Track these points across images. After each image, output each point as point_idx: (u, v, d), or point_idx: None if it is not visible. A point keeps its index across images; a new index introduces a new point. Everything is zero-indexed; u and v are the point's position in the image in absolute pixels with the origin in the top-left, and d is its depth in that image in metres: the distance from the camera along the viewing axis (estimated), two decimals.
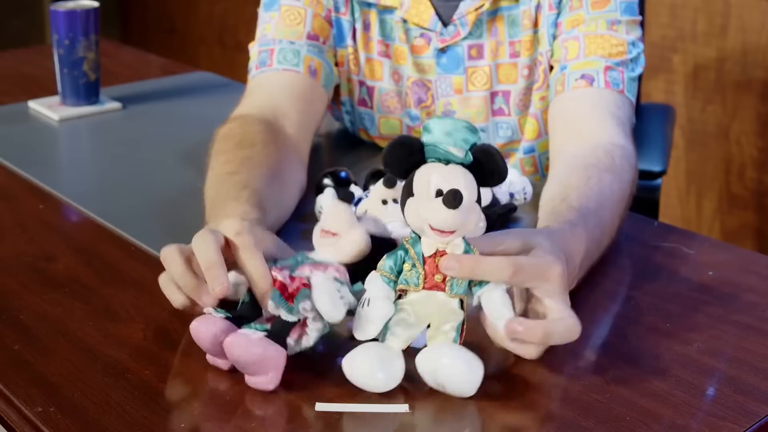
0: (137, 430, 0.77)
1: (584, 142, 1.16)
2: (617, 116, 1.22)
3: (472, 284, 0.82)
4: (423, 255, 0.82)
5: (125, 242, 1.11)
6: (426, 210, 0.80)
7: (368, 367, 0.80)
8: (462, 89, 1.34)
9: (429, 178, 0.81)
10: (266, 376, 0.81)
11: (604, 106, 1.22)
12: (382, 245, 0.88)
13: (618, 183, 1.07)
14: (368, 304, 0.81)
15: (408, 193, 0.82)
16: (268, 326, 0.82)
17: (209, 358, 0.85)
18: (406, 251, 0.82)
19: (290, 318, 0.82)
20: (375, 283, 0.82)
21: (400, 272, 0.82)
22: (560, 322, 0.82)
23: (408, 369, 0.85)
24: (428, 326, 0.82)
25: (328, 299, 0.81)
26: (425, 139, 0.82)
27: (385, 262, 0.82)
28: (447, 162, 0.81)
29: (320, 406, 0.79)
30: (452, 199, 0.79)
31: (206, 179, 1.10)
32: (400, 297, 0.83)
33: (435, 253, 0.82)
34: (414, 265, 0.82)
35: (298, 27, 1.32)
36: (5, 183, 1.31)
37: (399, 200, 0.84)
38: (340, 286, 0.83)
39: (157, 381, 0.83)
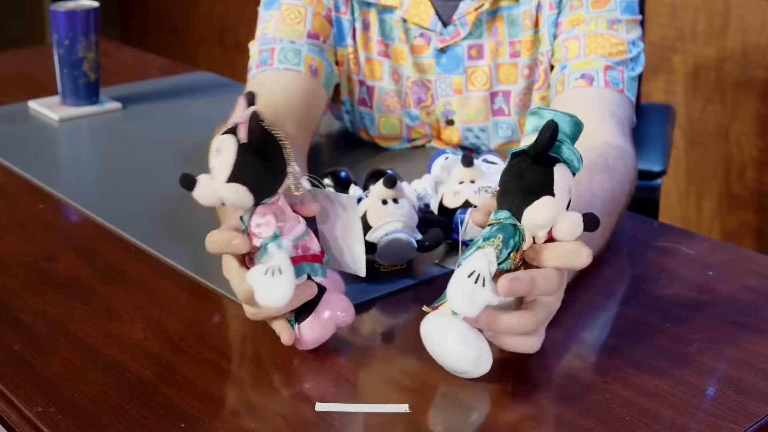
0: (137, 430, 0.77)
1: (581, 143, 1.15)
2: (616, 116, 1.22)
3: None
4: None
5: (125, 242, 1.11)
6: (565, 222, 0.79)
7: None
8: (462, 89, 1.34)
9: (569, 186, 0.80)
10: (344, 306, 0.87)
11: (603, 105, 1.22)
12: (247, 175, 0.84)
13: (609, 183, 1.07)
14: (483, 284, 0.77)
15: (546, 186, 0.78)
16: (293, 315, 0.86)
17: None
18: (522, 242, 0.80)
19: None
20: (492, 262, 0.78)
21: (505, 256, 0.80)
22: (542, 271, 0.80)
23: (410, 368, 0.85)
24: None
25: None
26: (568, 140, 0.80)
27: (510, 243, 0.79)
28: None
29: (320, 406, 0.79)
30: (591, 225, 0.79)
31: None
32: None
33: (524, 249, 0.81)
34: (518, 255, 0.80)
35: (298, 26, 1.32)
36: (5, 183, 1.31)
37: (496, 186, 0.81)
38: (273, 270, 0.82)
39: (157, 381, 0.83)
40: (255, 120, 0.81)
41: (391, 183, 1.01)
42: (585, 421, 0.78)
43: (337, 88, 1.40)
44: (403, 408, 0.79)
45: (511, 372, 0.84)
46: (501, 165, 1.10)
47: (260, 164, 0.83)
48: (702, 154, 2.52)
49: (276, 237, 0.83)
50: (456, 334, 0.79)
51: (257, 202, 0.84)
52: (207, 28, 3.89)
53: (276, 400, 0.82)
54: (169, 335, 0.91)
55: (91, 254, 1.09)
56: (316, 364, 0.86)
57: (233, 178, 0.82)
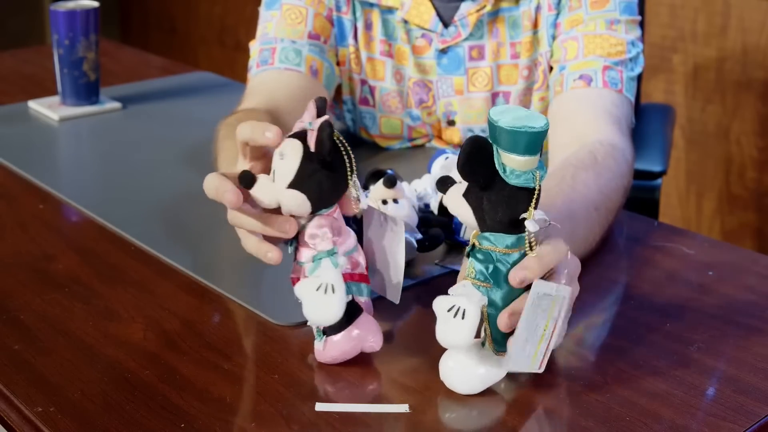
0: (137, 430, 0.77)
1: (576, 143, 1.16)
2: (614, 115, 1.21)
3: None
4: None
5: (125, 242, 1.11)
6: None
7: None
8: (463, 90, 1.34)
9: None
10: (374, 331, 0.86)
11: (600, 105, 1.22)
12: None
13: (595, 179, 1.07)
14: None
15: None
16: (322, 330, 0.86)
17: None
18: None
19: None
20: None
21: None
22: (547, 248, 0.81)
23: (410, 368, 0.85)
24: None
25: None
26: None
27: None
28: None
29: (320, 406, 0.79)
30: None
31: (218, 162, 1.12)
32: None
33: None
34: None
35: (299, 26, 1.32)
36: (5, 183, 1.31)
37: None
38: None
39: (157, 381, 0.83)
40: (326, 131, 0.80)
41: (391, 183, 1.01)
42: (585, 421, 0.78)
43: (338, 87, 1.40)
44: (403, 408, 0.79)
45: (511, 372, 0.84)
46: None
47: (323, 175, 0.82)
48: (702, 154, 2.52)
49: (333, 253, 0.83)
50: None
51: (314, 212, 0.83)
52: (207, 28, 3.89)
53: (276, 400, 0.82)
54: (169, 335, 0.91)
55: (91, 254, 1.09)
56: (316, 365, 0.86)
57: (295, 185, 0.81)
